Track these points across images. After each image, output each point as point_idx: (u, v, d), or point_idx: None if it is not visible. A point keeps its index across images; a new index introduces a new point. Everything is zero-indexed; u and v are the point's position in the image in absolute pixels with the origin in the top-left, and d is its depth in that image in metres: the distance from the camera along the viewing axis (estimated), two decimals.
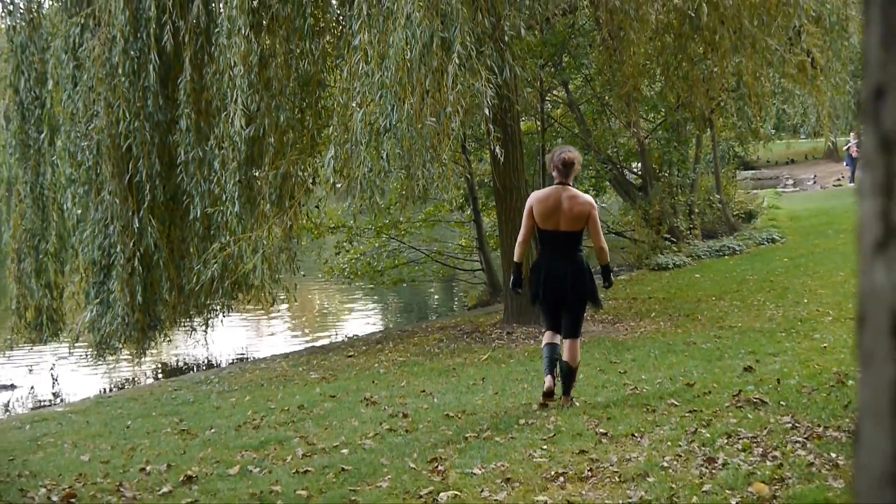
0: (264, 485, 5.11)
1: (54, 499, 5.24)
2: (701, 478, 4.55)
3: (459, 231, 18.58)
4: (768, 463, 4.68)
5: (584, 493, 4.50)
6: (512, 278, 6.82)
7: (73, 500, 5.21)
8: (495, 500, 4.48)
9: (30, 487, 5.58)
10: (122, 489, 5.33)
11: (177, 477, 5.46)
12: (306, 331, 16.40)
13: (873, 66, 0.49)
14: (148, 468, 5.80)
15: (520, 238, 6.52)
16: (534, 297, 6.59)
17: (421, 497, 4.62)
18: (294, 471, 5.37)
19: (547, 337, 6.57)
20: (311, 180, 10.77)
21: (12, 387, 11.89)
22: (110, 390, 11.73)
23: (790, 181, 36.24)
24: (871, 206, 0.49)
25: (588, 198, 6.49)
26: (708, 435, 5.27)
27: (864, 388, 0.49)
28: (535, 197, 6.47)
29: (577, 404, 6.46)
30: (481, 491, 4.62)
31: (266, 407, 7.88)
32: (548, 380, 6.46)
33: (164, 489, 5.23)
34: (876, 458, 0.46)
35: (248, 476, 5.40)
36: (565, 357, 6.41)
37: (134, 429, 7.59)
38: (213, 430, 7.02)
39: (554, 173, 6.46)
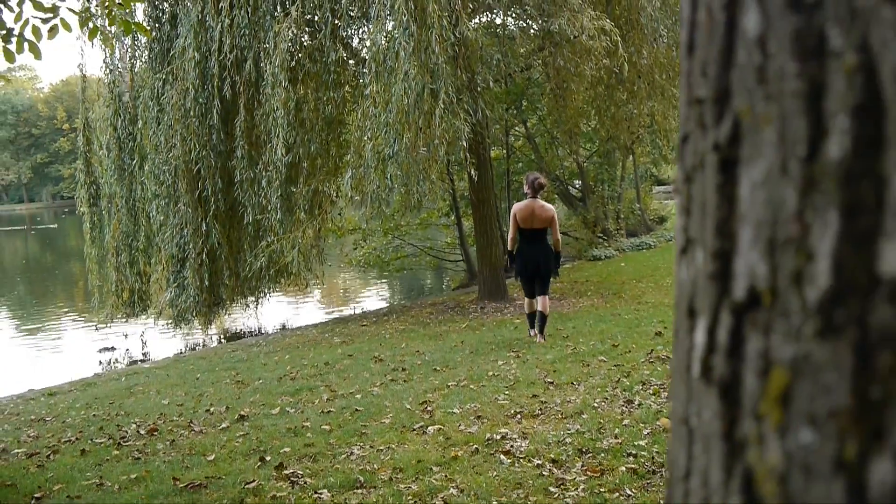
0: (298, 421, 5.13)
1: (142, 432, 5.25)
2: (622, 415, 4.58)
3: (446, 232, 18.54)
4: None
5: (535, 426, 4.53)
6: (508, 259, 7.35)
7: (155, 432, 5.22)
8: (469, 431, 4.49)
9: (124, 423, 5.59)
10: (192, 425, 5.34)
11: (233, 416, 5.47)
12: (331, 306, 16.35)
13: (683, 119, 0.51)
14: (212, 409, 5.81)
15: (510, 236, 7.10)
16: (519, 270, 7.18)
17: (414, 430, 4.64)
18: (320, 411, 5.39)
19: (527, 305, 7.35)
20: (334, 195, 10.75)
21: (112, 349, 11.84)
22: (184, 351, 11.69)
23: None
24: (679, 222, 0.50)
25: (551, 206, 7.13)
26: (628, 383, 5.30)
27: (674, 353, 0.51)
28: (517, 207, 6.98)
29: (546, 339, 7.27)
30: (459, 425, 4.64)
31: (300, 363, 7.88)
32: (532, 332, 7.42)
33: (224, 425, 5.24)
34: (678, 402, 0.48)
35: (286, 415, 5.41)
36: (540, 308, 7.17)
37: (202, 380, 7.59)
38: (260, 381, 7.02)
39: (528, 191, 6.93)
